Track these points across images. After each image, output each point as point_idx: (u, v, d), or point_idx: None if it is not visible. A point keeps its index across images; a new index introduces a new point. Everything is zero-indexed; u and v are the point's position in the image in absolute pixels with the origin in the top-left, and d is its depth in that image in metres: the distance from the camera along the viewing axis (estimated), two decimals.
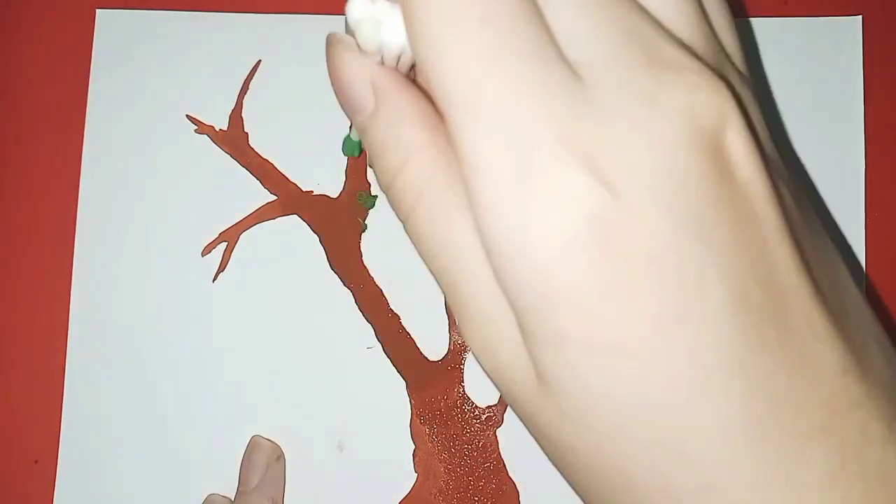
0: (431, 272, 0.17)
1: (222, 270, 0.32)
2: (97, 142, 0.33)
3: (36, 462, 0.32)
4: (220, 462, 0.31)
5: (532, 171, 0.14)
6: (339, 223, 0.33)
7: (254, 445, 0.31)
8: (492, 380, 0.17)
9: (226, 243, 0.33)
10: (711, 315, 0.15)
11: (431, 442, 0.31)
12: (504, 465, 0.31)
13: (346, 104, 0.17)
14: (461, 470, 0.31)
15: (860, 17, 0.32)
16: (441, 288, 0.17)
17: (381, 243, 0.32)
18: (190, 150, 0.33)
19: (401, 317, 0.32)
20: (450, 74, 0.15)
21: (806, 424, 0.15)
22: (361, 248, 0.32)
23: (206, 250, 0.33)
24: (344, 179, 0.33)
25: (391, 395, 0.32)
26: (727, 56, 0.17)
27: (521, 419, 0.17)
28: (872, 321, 0.18)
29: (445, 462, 0.31)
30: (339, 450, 0.32)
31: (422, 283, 0.33)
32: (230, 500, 0.31)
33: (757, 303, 0.15)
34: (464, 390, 0.32)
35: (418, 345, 0.32)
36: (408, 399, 0.32)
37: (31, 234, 0.33)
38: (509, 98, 0.15)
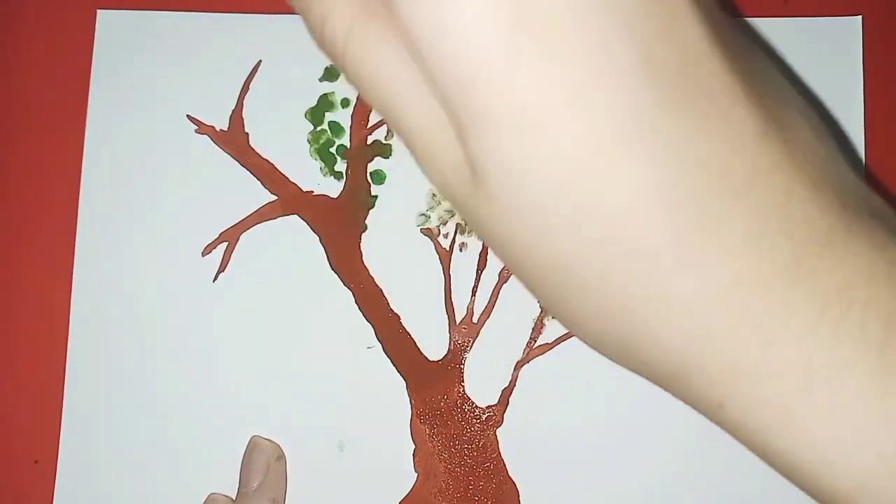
0: (374, 108, 0.17)
1: (223, 270, 0.32)
2: (98, 142, 0.33)
3: (36, 462, 0.32)
4: (221, 462, 0.31)
5: None
6: (339, 223, 0.33)
7: (254, 446, 0.31)
8: (443, 194, 0.18)
9: (226, 243, 0.33)
10: (621, 77, 0.15)
11: (431, 442, 0.31)
12: (504, 465, 0.31)
13: None
14: (461, 470, 0.31)
15: (860, 17, 0.32)
16: (386, 121, 0.17)
17: (381, 243, 0.32)
18: (190, 150, 0.33)
19: (401, 317, 0.32)
20: None
21: (728, 185, 0.15)
22: (361, 248, 0.32)
23: (207, 250, 0.33)
24: (344, 179, 0.33)
25: (391, 395, 0.32)
26: None
27: (469, 224, 0.17)
28: (796, 96, 0.18)
29: (445, 462, 0.31)
30: (339, 450, 0.32)
31: (422, 283, 0.33)
32: (231, 499, 0.31)
33: (669, 66, 0.15)
34: (464, 390, 0.32)
35: (418, 345, 0.32)
36: (408, 399, 0.32)
37: (31, 234, 0.33)
38: None
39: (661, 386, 0.18)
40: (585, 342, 0.18)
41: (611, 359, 0.18)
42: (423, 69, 0.16)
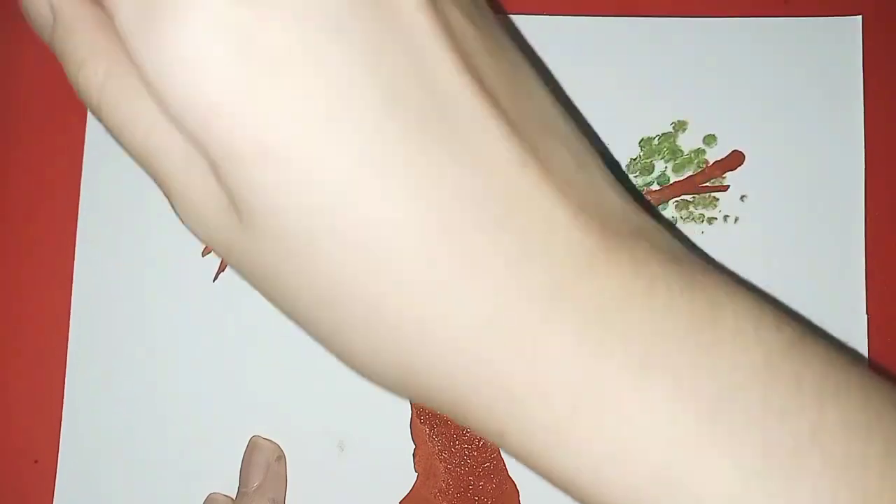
0: (135, 160, 0.18)
1: (223, 270, 0.32)
2: (98, 142, 0.33)
3: (36, 462, 0.32)
4: (221, 462, 0.31)
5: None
6: None
7: (254, 446, 0.31)
8: (210, 243, 0.17)
9: None
10: (363, 113, 0.15)
11: (431, 442, 0.31)
12: (504, 465, 0.31)
13: (33, 25, 0.19)
14: (461, 470, 0.31)
15: (860, 17, 0.32)
16: (148, 174, 0.18)
17: None
18: None
19: None
20: None
21: (487, 215, 0.16)
22: None
23: (207, 250, 0.33)
24: None
25: (391, 395, 0.32)
26: None
27: (241, 272, 0.17)
28: (567, 131, 0.18)
29: (446, 462, 0.31)
30: (340, 450, 0.31)
31: None
32: (231, 499, 0.31)
33: (416, 102, 0.15)
34: None
35: None
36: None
37: (31, 234, 0.33)
38: None
39: (451, 417, 0.18)
40: (370, 379, 0.18)
41: (396, 393, 0.18)
42: (164, 109, 0.16)
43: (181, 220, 0.18)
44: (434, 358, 0.16)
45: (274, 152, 0.15)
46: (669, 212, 0.31)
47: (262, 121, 0.15)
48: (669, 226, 0.18)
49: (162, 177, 0.17)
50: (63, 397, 0.32)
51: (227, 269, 0.32)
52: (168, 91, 0.15)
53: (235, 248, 0.17)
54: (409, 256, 0.16)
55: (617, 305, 0.16)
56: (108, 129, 0.18)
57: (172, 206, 0.18)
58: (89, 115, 0.33)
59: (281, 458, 0.31)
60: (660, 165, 0.32)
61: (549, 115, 0.18)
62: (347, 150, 0.15)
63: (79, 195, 0.33)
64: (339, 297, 0.16)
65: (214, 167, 0.16)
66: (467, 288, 0.16)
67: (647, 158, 0.32)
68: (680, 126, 0.32)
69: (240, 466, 0.31)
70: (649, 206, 0.32)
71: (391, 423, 0.31)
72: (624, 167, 0.32)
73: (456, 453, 0.31)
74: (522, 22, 0.33)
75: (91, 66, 0.17)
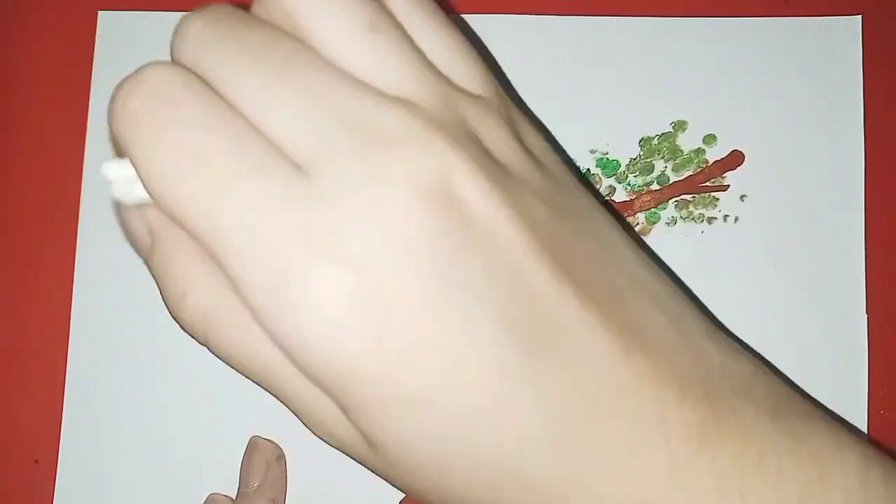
0: (247, 377, 0.19)
1: None
2: (99, 143, 0.33)
3: (36, 462, 0.32)
4: (221, 462, 0.31)
5: (287, 279, 0.16)
6: None
7: (254, 446, 0.31)
8: (341, 451, 0.19)
9: None
10: (484, 347, 0.16)
11: None
12: None
13: (130, 243, 0.20)
14: None
15: (860, 16, 0.32)
16: (267, 391, 0.19)
17: None
18: None
19: None
20: (191, 217, 0.17)
21: (602, 408, 0.17)
22: None
23: None
24: None
25: None
26: (452, 83, 0.18)
27: (371, 470, 0.19)
28: (656, 285, 0.19)
29: None
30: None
31: None
32: (231, 499, 0.31)
33: (524, 320, 0.17)
34: None
35: None
36: None
37: (32, 234, 0.33)
38: (245, 221, 0.16)
39: None
40: None
41: None
42: (293, 362, 0.17)
43: (309, 428, 0.19)
44: None
45: (408, 399, 0.16)
46: (669, 212, 0.31)
47: (395, 373, 0.16)
48: (759, 361, 0.19)
49: (290, 405, 0.18)
50: (63, 397, 0.32)
51: None
52: (301, 356, 0.17)
53: (367, 461, 0.19)
54: (535, 462, 0.17)
55: (732, 480, 0.17)
56: (216, 353, 0.19)
57: (302, 421, 0.19)
58: (90, 116, 0.33)
59: (281, 458, 0.31)
60: (660, 165, 0.32)
61: (637, 273, 0.19)
62: (471, 385, 0.16)
63: (80, 195, 0.33)
64: None
65: (346, 411, 0.17)
66: (592, 483, 0.17)
67: (647, 158, 0.32)
68: (680, 126, 0.32)
69: (240, 466, 0.31)
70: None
71: None
72: (624, 167, 0.32)
73: None
74: (524, 22, 0.33)
75: (194, 296, 0.18)
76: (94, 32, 0.33)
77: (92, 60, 0.33)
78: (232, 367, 0.18)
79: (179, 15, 0.34)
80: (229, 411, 0.32)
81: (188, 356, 0.32)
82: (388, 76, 0.17)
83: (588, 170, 0.32)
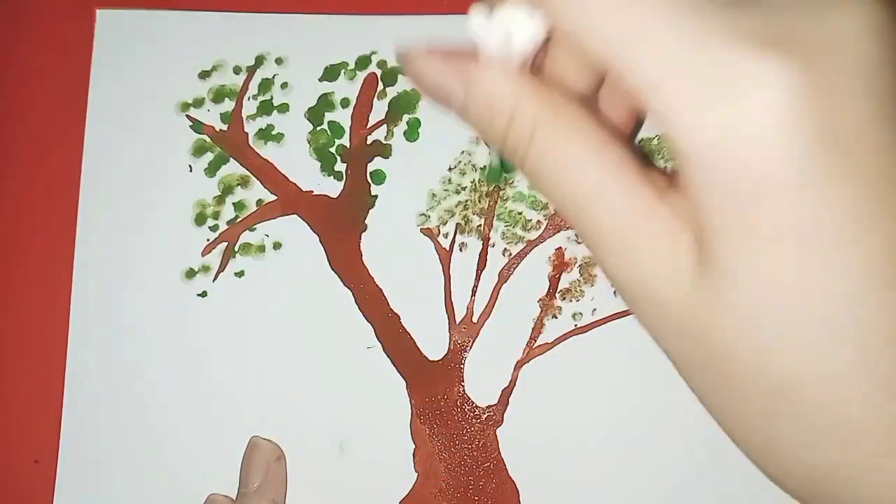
0: (554, 205, 0.17)
1: (222, 270, 0.32)
2: (97, 141, 0.33)
3: (36, 462, 0.32)
4: (220, 462, 0.31)
5: (718, 71, 0.14)
6: (339, 223, 0.33)
7: (254, 446, 0.31)
8: (626, 289, 0.17)
9: (226, 243, 0.33)
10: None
11: (431, 442, 0.31)
12: (504, 465, 0.31)
13: (436, 98, 0.18)
14: (461, 470, 0.31)
15: None
16: (566, 215, 0.17)
17: (381, 243, 0.32)
18: (190, 149, 0.33)
19: (401, 316, 0.32)
20: (606, 29, 0.15)
21: None
22: (361, 248, 0.32)
23: (207, 250, 0.33)
24: (344, 179, 0.33)
25: (391, 395, 0.32)
26: None
27: (659, 333, 0.17)
28: None
29: (445, 462, 0.31)
30: (340, 450, 0.31)
31: (422, 282, 0.33)
32: (231, 499, 0.31)
33: None
34: (464, 390, 0.32)
35: (418, 344, 0.32)
36: (408, 399, 0.32)
37: (31, 234, 0.33)
38: (668, 20, 0.15)
39: None
40: (778, 482, 0.17)
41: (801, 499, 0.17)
42: (689, 169, 0.15)
43: (600, 260, 0.17)
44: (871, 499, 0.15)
45: (809, 235, 0.14)
46: None
47: (808, 204, 0.14)
48: None
49: (585, 220, 0.17)
50: (63, 397, 0.32)
51: (227, 270, 0.32)
52: (713, 165, 0.15)
53: (678, 306, 0.16)
54: None
55: None
56: (528, 176, 0.17)
57: (592, 246, 0.17)
58: (89, 114, 0.33)
59: (281, 458, 0.31)
60: (659, 165, 0.32)
61: None
62: (878, 242, 0.14)
63: (78, 194, 0.33)
64: (790, 398, 0.15)
65: (710, 230, 0.15)
66: None
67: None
68: None
69: (240, 466, 0.31)
70: None
71: (391, 423, 0.31)
72: None
73: (456, 453, 0.31)
74: None
75: (521, 116, 0.17)
76: (93, 31, 0.33)
77: (90, 58, 0.33)
78: (538, 189, 0.17)
79: (177, 14, 0.34)
80: (229, 411, 0.32)
81: (188, 356, 0.32)
82: None
83: None
